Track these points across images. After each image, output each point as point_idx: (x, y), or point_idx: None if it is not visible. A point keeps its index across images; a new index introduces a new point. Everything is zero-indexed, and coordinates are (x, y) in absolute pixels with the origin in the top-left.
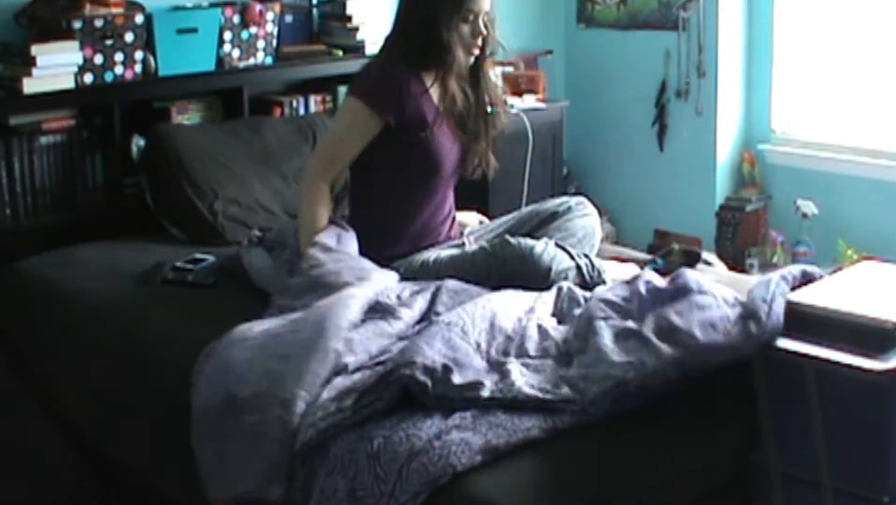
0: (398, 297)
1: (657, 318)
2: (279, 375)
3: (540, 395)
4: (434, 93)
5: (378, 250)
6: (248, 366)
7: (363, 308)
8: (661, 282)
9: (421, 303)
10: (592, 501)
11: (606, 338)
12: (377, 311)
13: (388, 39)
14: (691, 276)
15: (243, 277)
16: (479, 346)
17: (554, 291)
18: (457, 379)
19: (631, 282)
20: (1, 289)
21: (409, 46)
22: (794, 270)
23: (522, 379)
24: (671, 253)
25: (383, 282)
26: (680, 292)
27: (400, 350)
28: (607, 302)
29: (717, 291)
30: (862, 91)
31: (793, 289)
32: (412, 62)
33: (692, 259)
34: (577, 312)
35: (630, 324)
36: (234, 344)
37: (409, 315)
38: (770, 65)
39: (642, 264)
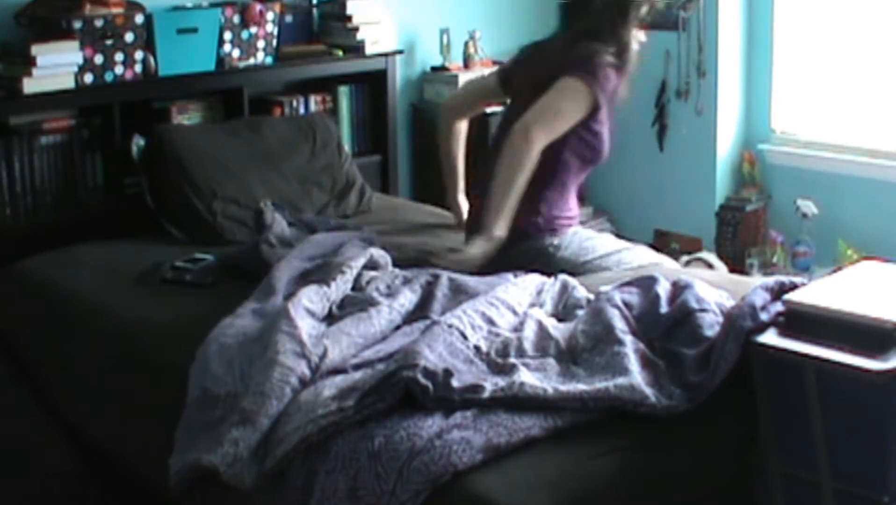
0: (388, 286)
1: (667, 352)
2: (250, 378)
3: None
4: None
5: (555, 218)
6: (226, 367)
7: (323, 299)
8: (664, 290)
9: (409, 295)
10: (592, 500)
11: (634, 362)
12: (356, 302)
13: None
14: (691, 292)
15: (243, 276)
16: (478, 349)
17: (558, 285)
18: (457, 383)
19: (640, 287)
20: (1, 289)
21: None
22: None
23: (533, 378)
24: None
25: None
26: (683, 316)
27: (403, 351)
28: (621, 311)
29: (713, 300)
30: (862, 91)
31: (778, 296)
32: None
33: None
34: (580, 313)
35: (645, 349)
36: (214, 340)
37: (397, 305)
38: (770, 65)
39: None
